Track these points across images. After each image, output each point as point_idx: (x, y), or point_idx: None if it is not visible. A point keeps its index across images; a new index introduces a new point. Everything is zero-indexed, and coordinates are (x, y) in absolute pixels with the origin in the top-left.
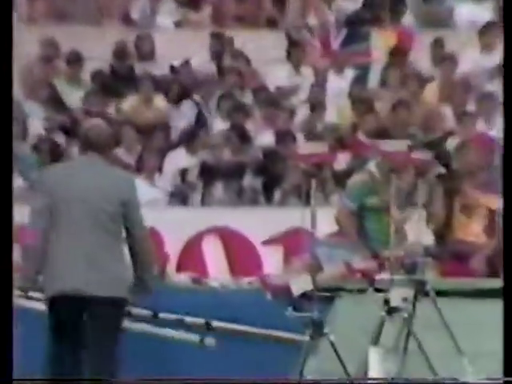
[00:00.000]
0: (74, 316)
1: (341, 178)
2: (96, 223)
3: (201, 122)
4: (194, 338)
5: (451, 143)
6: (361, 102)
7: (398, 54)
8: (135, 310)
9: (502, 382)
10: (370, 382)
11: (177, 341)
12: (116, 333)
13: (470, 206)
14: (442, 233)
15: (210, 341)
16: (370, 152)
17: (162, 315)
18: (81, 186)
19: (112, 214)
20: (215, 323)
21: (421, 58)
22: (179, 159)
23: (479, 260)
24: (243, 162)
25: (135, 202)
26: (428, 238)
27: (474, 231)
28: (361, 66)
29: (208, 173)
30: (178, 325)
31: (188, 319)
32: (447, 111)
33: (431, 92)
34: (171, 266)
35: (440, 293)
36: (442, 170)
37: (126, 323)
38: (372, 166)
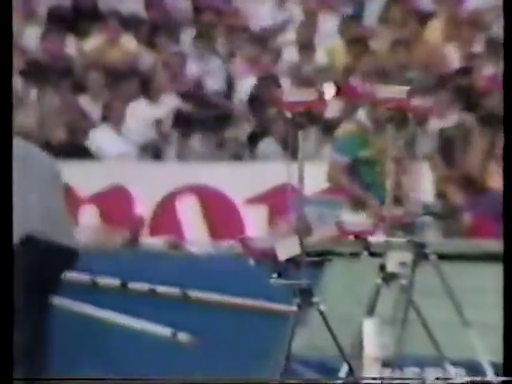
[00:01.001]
0: None
1: (332, 129)
2: None
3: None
4: (164, 332)
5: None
6: (355, 41)
7: None
8: (101, 279)
9: (502, 382)
10: (370, 382)
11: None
12: None
13: None
14: (480, 186)
15: (183, 337)
16: (364, 98)
17: (131, 285)
18: None
19: None
20: (192, 293)
21: None
22: (150, 108)
23: None
24: (223, 110)
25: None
26: (429, 195)
27: None
28: (355, 1)
29: (183, 123)
30: (150, 296)
31: (161, 289)
32: (451, 52)
33: (434, 30)
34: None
35: (442, 256)
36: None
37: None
38: (362, 114)
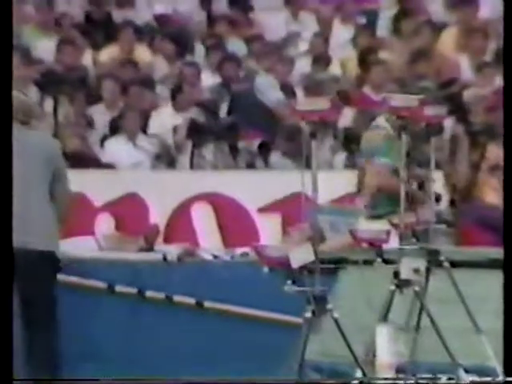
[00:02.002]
0: None
1: (345, 138)
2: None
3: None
4: None
5: (467, 96)
6: (368, 52)
7: None
8: (119, 287)
9: (502, 382)
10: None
11: None
12: None
13: (499, 167)
14: (467, 196)
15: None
16: (377, 107)
17: (148, 293)
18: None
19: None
20: (207, 303)
21: (435, 2)
22: (165, 118)
23: None
24: (236, 120)
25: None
26: (443, 203)
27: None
28: (368, 13)
29: (197, 133)
30: (166, 304)
31: (177, 298)
32: (464, 61)
33: (447, 41)
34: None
35: (455, 264)
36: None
37: None
38: (381, 120)
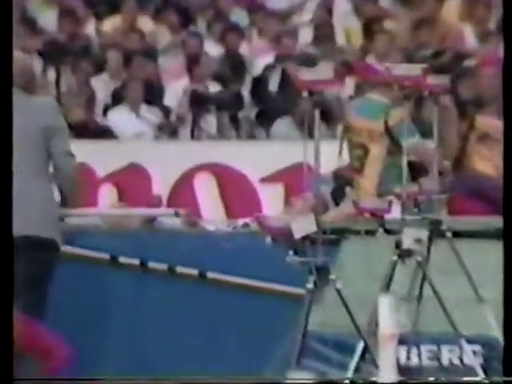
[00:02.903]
0: None
1: None
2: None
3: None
4: None
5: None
6: (372, 21)
7: None
8: (121, 258)
9: (502, 382)
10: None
11: None
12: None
13: (489, 136)
14: (458, 166)
15: None
16: (380, 77)
17: (151, 264)
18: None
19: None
20: (210, 274)
21: None
22: (167, 88)
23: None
24: (238, 91)
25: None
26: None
27: (496, 164)
28: None
29: (199, 103)
30: (169, 275)
31: (180, 269)
32: (467, 31)
33: (450, 10)
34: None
35: (457, 234)
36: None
37: None
38: (373, 95)
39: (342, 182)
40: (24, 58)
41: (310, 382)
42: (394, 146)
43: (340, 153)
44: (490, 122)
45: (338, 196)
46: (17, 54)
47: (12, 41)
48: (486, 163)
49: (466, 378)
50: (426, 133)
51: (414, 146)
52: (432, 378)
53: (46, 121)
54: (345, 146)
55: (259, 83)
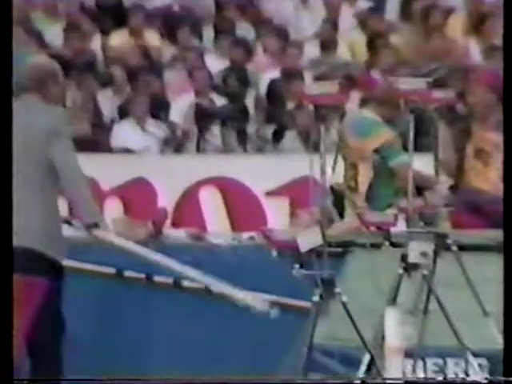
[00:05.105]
0: None
1: None
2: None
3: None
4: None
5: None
6: (377, 36)
7: None
8: (127, 272)
9: (502, 381)
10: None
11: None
12: None
13: (484, 151)
14: (455, 181)
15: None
16: (384, 91)
17: (157, 278)
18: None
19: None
20: (215, 288)
21: None
22: (173, 103)
23: (497, 211)
24: (244, 105)
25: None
26: (444, 187)
27: (490, 179)
28: None
29: (204, 118)
30: (175, 289)
31: (185, 283)
32: (472, 45)
33: (455, 24)
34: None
35: (462, 247)
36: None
37: None
38: (367, 112)
39: (338, 197)
40: (48, 63)
41: (310, 382)
42: (383, 166)
43: (333, 169)
44: (486, 137)
45: (338, 208)
46: (41, 58)
47: (12, 43)
48: (481, 178)
49: (466, 378)
50: (422, 148)
51: (401, 167)
52: (434, 378)
53: (45, 128)
54: (339, 162)
55: (271, 98)
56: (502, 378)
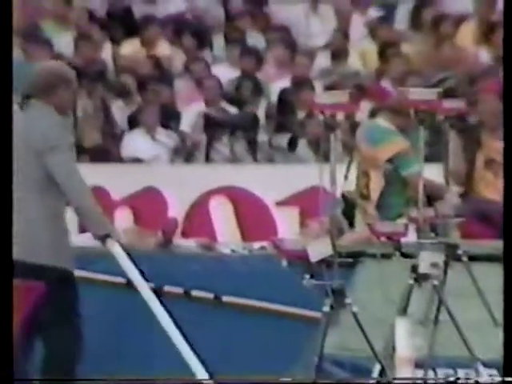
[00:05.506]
0: None
1: None
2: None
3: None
4: None
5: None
6: (387, 45)
7: None
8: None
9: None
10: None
11: None
12: None
13: (494, 161)
14: (465, 191)
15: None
16: (395, 101)
17: (166, 288)
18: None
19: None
20: (225, 297)
21: None
22: (183, 112)
23: None
24: (254, 114)
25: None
26: (455, 197)
27: (500, 189)
28: (386, 5)
29: (214, 127)
30: (185, 298)
31: (195, 293)
32: (483, 54)
33: (466, 33)
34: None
35: (472, 257)
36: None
37: None
38: (380, 120)
39: (350, 205)
40: (58, 67)
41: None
42: (394, 175)
43: (346, 177)
44: (496, 147)
45: (348, 218)
46: (51, 62)
47: (12, 45)
48: (491, 188)
49: (466, 378)
50: (433, 158)
51: (414, 176)
52: (441, 377)
53: (42, 139)
54: (352, 170)
55: (282, 107)
56: (502, 378)
